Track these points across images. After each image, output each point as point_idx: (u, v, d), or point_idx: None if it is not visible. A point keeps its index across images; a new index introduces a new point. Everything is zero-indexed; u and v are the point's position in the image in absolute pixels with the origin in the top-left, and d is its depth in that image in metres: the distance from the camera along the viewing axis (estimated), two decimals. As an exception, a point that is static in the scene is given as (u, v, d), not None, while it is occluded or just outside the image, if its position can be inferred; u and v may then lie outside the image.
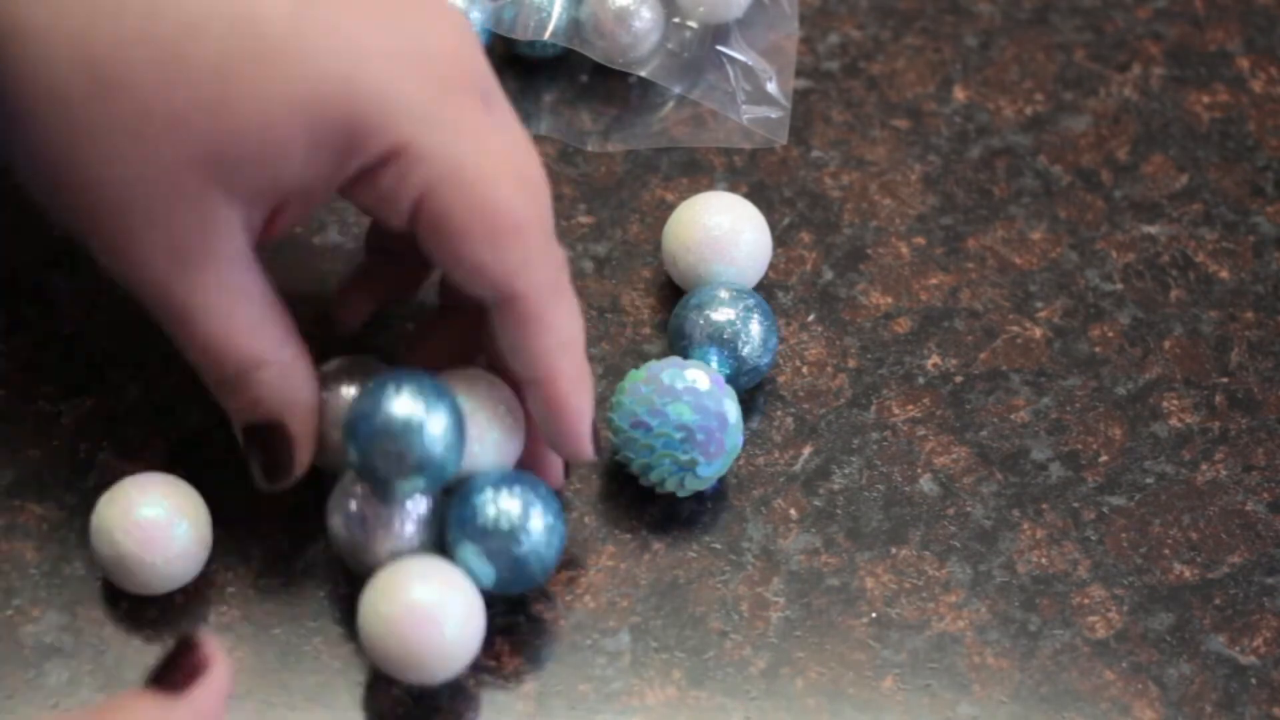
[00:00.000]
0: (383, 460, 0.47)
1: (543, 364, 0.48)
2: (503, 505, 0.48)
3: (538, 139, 0.60)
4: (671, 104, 0.61)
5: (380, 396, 0.47)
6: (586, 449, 0.49)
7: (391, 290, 0.54)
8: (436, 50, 0.47)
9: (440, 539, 0.49)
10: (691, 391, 0.51)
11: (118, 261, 0.47)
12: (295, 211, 0.48)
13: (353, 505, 0.49)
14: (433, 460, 0.47)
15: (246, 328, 0.47)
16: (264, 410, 0.48)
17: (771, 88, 0.60)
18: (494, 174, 0.47)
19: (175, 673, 0.42)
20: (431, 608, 0.47)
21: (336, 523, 0.49)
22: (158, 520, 0.49)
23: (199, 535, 0.50)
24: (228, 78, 0.44)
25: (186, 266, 0.46)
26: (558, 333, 0.48)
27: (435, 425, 0.47)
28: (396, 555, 0.48)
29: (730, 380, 0.53)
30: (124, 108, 0.44)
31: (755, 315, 0.54)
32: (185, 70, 0.44)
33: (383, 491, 0.48)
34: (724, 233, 0.55)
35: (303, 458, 0.49)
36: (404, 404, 0.47)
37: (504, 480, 0.49)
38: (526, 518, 0.48)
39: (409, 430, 0.47)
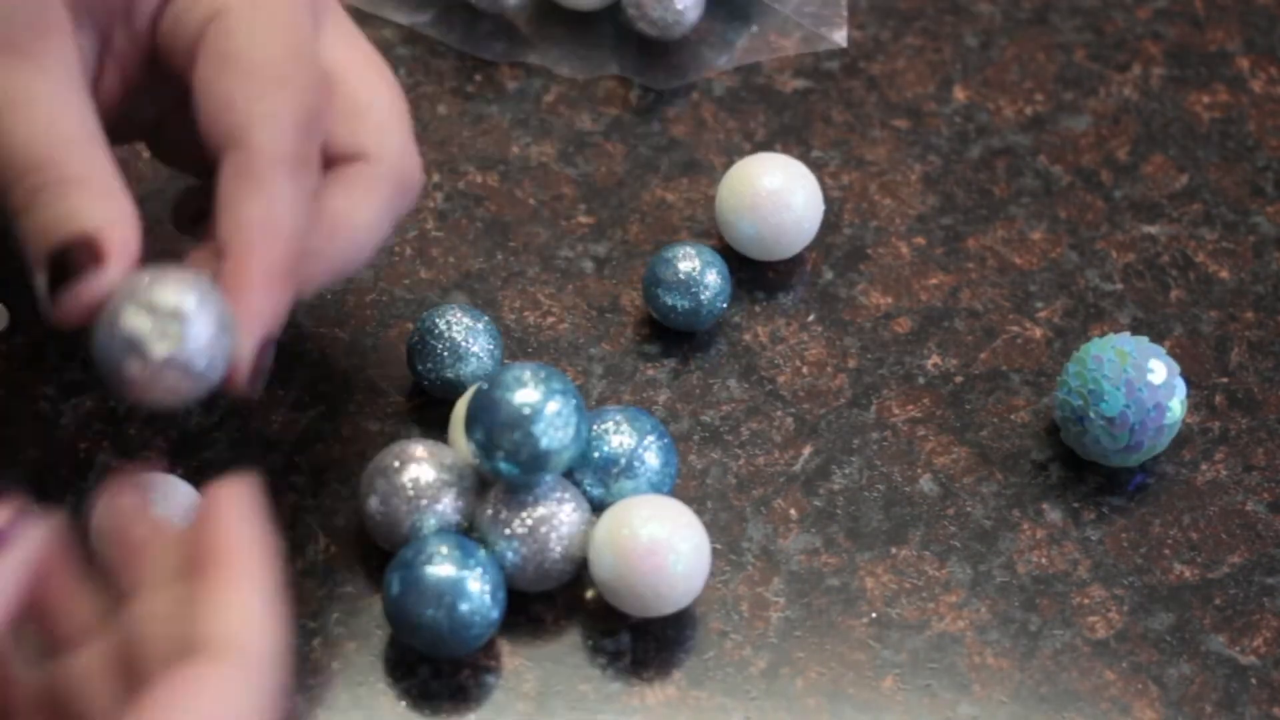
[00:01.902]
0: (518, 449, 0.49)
1: (238, 234, 0.45)
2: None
3: (600, 80, 0.60)
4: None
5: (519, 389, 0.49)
6: (245, 358, 0.45)
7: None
8: None
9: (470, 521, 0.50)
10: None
11: None
12: (129, 55, 0.47)
13: (390, 483, 0.50)
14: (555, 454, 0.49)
15: (71, 137, 0.45)
16: (78, 223, 0.44)
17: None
18: (286, 22, 0.46)
19: None
20: (662, 543, 0.49)
21: (374, 502, 0.50)
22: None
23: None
24: None
25: (23, 56, 0.45)
26: (271, 211, 0.45)
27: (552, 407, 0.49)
28: (431, 529, 0.50)
29: (692, 314, 0.55)
30: None
31: (712, 268, 0.55)
32: None
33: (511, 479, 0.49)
34: (776, 193, 0.56)
35: (116, 271, 0.44)
36: (527, 393, 0.49)
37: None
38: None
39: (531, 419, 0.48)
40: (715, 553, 0.52)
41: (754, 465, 0.54)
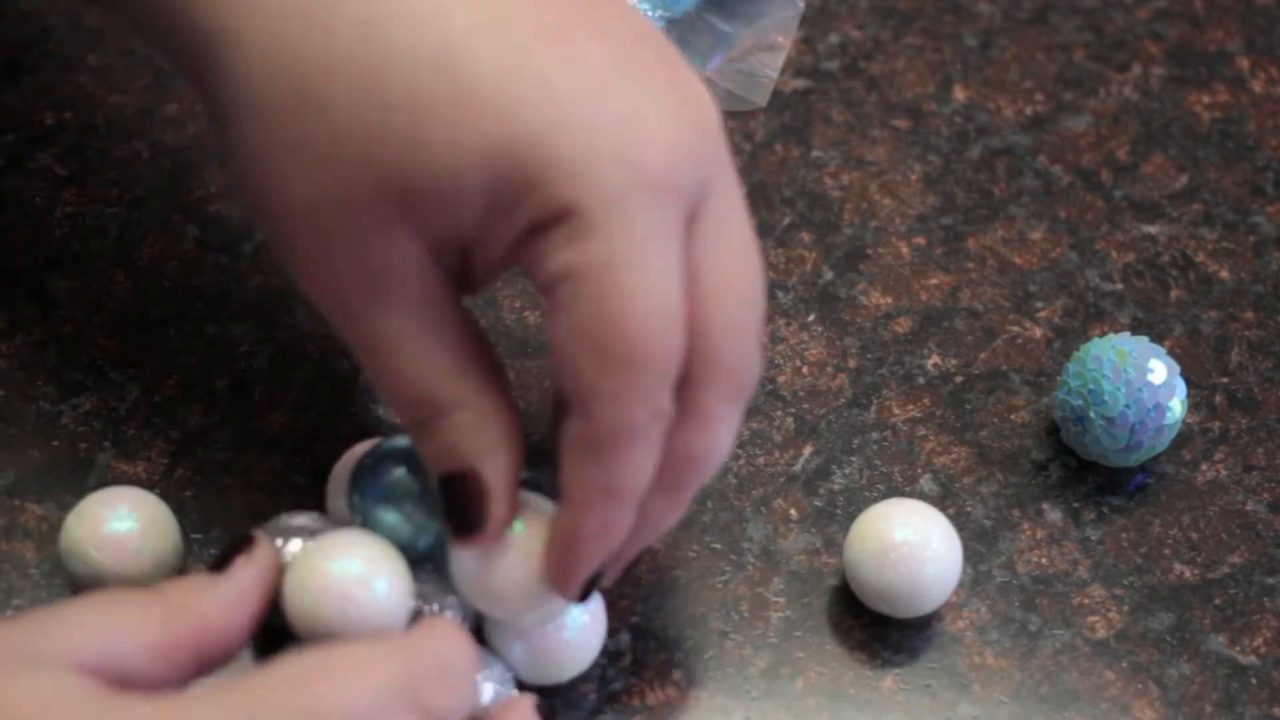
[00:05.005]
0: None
1: (576, 492, 0.45)
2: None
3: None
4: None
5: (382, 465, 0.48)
6: (571, 593, 0.46)
7: None
8: (651, 139, 0.44)
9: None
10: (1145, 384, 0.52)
11: (310, 285, 0.45)
12: (488, 266, 0.45)
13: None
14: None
15: (439, 371, 0.45)
16: (457, 458, 0.45)
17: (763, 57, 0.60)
18: (640, 297, 0.43)
19: (224, 560, 0.45)
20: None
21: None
22: (130, 534, 0.49)
23: (170, 543, 0.50)
24: (424, 114, 0.43)
25: (377, 300, 0.45)
26: (610, 476, 0.44)
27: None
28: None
29: None
30: (321, 128, 0.43)
31: None
32: (384, 99, 0.43)
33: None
34: (911, 546, 0.50)
35: (497, 512, 0.46)
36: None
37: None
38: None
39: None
40: (715, 552, 0.52)
41: (754, 465, 0.54)
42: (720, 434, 0.46)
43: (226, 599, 0.44)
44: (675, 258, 0.44)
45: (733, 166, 0.46)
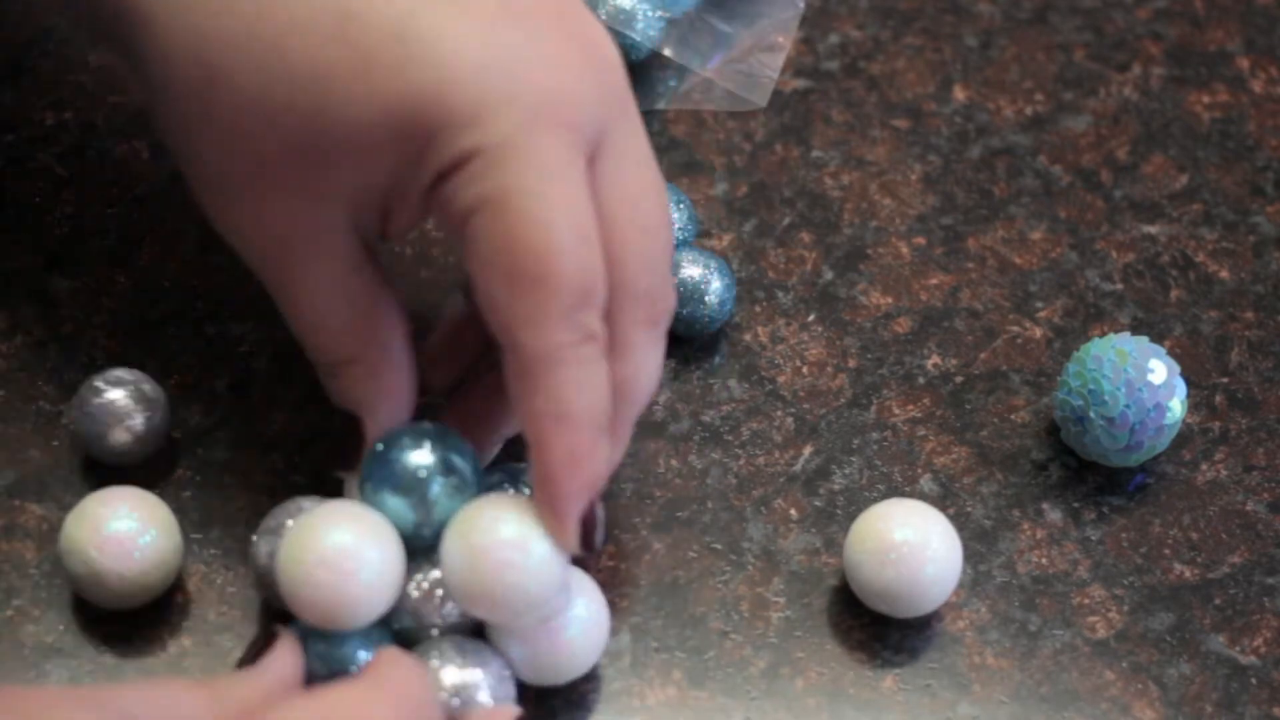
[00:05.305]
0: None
1: (532, 427, 0.46)
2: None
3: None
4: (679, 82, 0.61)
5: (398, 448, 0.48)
6: (566, 535, 0.46)
7: (483, 346, 0.51)
8: (543, 78, 0.46)
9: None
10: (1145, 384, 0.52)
11: (230, 239, 0.49)
12: (405, 215, 0.48)
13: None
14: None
15: (339, 325, 0.48)
16: (345, 401, 0.49)
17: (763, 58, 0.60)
18: (543, 219, 0.45)
19: (252, 657, 0.47)
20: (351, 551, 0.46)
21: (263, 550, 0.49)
22: (130, 533, 0.49)
23: (170, 543, 0.50)
24: (324, 83, 0.45)
25: (287, 258, 0.48)
26: (554, 401, 0.45)
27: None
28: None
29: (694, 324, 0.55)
30: (226, 101, 0.46)
31: (716, 274, 0.55)
32: (285, 71, 0.45)
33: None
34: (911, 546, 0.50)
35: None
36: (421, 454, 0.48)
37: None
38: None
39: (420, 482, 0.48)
40: (715, 552, 0.52)
41: (754, 465, 0.54)
42: (643, 361, 0.48)
43: (265, 685, 0.46)
44: (578, 185, 0.46)
45: (635, 106, 0.48)
